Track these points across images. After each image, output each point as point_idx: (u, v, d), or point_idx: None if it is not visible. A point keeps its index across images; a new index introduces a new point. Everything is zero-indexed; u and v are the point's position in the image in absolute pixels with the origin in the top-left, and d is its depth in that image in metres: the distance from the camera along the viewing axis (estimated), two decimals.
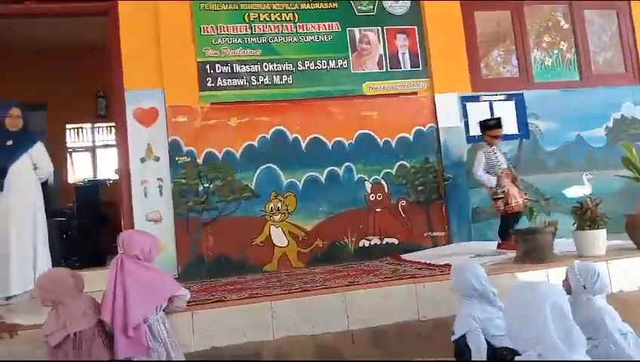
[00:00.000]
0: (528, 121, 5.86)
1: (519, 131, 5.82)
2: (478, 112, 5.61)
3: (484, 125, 4.99)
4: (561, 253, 4.17)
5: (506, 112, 5.74)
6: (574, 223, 4.22)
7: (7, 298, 4.08)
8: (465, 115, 5.66)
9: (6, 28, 6.63)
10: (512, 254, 4.23)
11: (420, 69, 5.61)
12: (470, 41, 5.82)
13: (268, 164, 5.24)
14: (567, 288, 2.85)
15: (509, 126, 5.74)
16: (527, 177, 5.67)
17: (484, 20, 6.03)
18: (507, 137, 5.64)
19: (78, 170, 9.02)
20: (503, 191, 4.65)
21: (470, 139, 5.60)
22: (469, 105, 5.66)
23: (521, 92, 5.89)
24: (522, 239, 4.19)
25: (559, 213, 4.70)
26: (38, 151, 4.39)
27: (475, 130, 5.35)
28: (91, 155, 9.15)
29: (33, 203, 4.31)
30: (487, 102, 5.76)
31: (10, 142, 4.28)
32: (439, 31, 5.65)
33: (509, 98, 5.87)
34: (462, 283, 2.81)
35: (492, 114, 5.68)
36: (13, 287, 4.08)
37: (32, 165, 4.35)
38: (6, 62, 7.48)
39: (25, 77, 7.50)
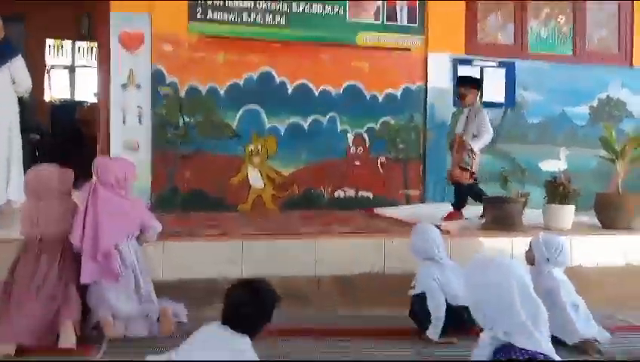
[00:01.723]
0: (517, 91, 5.86)
1: (506, 100, 5.82)
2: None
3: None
4: (529, 223, 4.28)
5: (496, 80, 5.74)
6: (545, 196, 4.32)
7: None
8: (455, 77, 5.61)
9: None
10: (479, 220, 4.33)
11: (416, 25, 5.51)
12: (470, 2, 5.71)
13: (252, 105, 5.17)
14: (530, 259, 2.95)
15: (497, 94, 5.75)
16: (506, 146, 5.76)
17: None
18: (493, 105, 5.66)
19: (56, 89, 8.76)
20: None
21: (456, 102, 5.57)
22: (460, 68, 5.61)
23: (513, 61, 5.85)
24: (493, 206, 4.29)
25: (534, 185, 4.78)
26: (18, 65, 4.22)
27: None
28: (70, 74, 8.88)
29: (8, 117, 4.18)
30: (479, 67, 5.72)
31: None
32: None
33: (500, 65, 5.83)
34: (419, 246, 2.88)
35: (482, 79, 5.65)
36: None
37: (10, 78, 4.20)
38: None
39: None
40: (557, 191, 4.23)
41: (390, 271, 3.49)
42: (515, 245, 3.81)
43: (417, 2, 5.51)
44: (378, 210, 4.92)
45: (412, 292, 2.81)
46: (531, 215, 4.41)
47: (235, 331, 1.96)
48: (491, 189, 4.66)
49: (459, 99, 4.72)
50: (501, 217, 4.15)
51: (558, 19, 6.16)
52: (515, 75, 5.84)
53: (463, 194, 4.58)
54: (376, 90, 5.41)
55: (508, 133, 5.71)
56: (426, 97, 5.51)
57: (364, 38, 5.39)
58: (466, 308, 2.27)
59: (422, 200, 5.49)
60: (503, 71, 5.84)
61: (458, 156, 4.50)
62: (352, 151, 5.40)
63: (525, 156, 5.69)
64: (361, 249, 3.51)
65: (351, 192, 5.37)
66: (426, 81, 5.51)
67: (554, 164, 5.60)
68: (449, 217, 4.46)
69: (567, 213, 4.24)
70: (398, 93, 5.47)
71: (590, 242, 4.05)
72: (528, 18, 6.00)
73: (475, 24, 5.82)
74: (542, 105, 5.92)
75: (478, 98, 4.69)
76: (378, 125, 5.43)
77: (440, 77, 5.54)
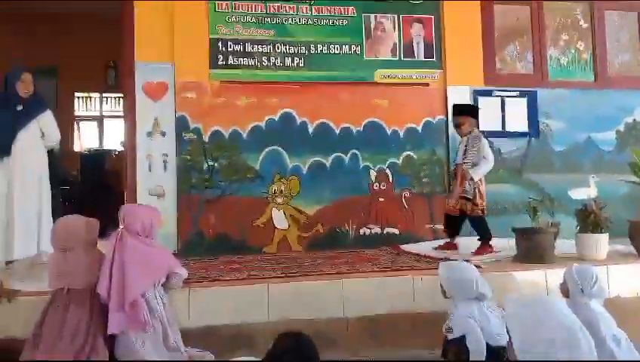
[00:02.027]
0: (539, 119, 5.80)
1: (529, 129, 5.76)
2: (490, 107, 5.56)
3: None
4: (562, 254, 4.15)
5: (518, 109, 5.70)
6: (577, 225, 4.20)
7: (8, 262, 4.11)
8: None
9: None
10: (508, 253, 4.22)
11: (434, 59, 5.55)
12: (487, 34, 5.74)
13: (274, 146, 5.22)
14: (565, 291, 2.85)
15: (520, 123, 5.70)
16: (533, 176, 5.67)
17: (502, 13, 5.93)
18: (517, 135, 5.61)
19: (85, 139, 9.05)
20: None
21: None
22: (481, 100, 5.59)
23: (534, 89, 5.82)
24: (523, 238, 4.17)
25: (563, 214, 4.66)
26: (47, 119, 4.39)
27: (486, 125, 5.30)
28: (98, 125, 9.17)
29: (38, 169, 4.32)
30: (499, 98, 5.70)
31: (20, 107, 4.28)
32: (456, 22, 5.57)
33: (521, 95, 5.80)
34: (457, 285, 2.79)
35: (504, 109, 5.63)
36: (15, 252, 4.11)
37: (39, 132, 4.35)
38: (20, 28, 7.47)
39: (38, 43, 7.48)
40: (588, 219, 4.11)
41: (420, 309, 3.40)
42: (549, 277, 3.69)
43: (434, 37, 5.56)
44: (405, 247, 4.85)
45: (450, 336, 2.71)
46: (563, 245, 4.29)
47: None
48: (520, 220, 4.55)
49: (456, 128, 4.63)
50: (532, 249, 4.03)
51: (578, 46, 6.13)
52: (537, 104, 5.80)
53: (483, 224, 4.45)
54: (396, 125, 5.42)
55: (534, 162, 5.62)
56: (448, 130, 5.48)
57: (382, 75, 5.44)
58: (504, 348, 2.19)
59: None
60: (524, 100, 5.80)
61: (460, 186, 4.38)
62: (375, 187, 5.38)
63: (553, 185, 5.58)
64: (389, 287, 3.44)
65: (376, 229, 5.31)
66: (447, 114, 5.49)
67: (584, 192, 5.48)
68: (480, 251, 4.35)
69: (601, 242, 4.10)
70: (419, 127, 5.46)
71: (627, 271, 3.89)
72: (547, 46, 5.99)
73: (493, 55, 5.82)
74: (566, 132, 5.83)
75: (475, 126, 4.56)
76: (401, 160, 5.42)
77: None
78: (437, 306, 3.31)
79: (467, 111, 4.58)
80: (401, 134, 5.43)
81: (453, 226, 4.58)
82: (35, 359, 2.54)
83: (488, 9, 5.79)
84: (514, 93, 5.77)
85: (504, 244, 4.45)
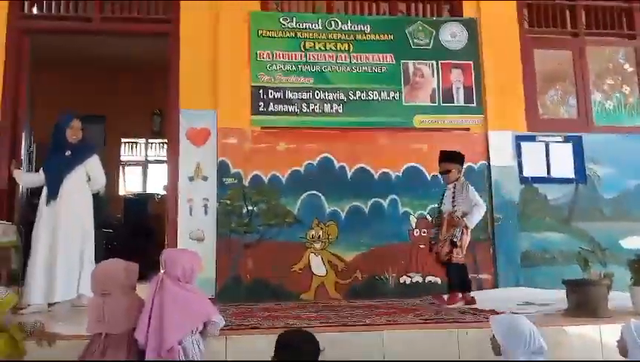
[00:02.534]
0: (586, 165, 5.62)
1: (576, 175, 5.58)
2: (534, 153, 5.47)
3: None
4: (616, 308, 3.90)
5: (563, 155, 5.55)
6: (631, 277, 3.96)
7: (50, 304, 4.17)
8: (519, 154, 5.48)
9: (72, 43, 6.98)
10: (558, 305, 3.99)
11: (474, 105, 5.51)
12: (528, 79, 5.69)
13: (312, 191, 5.22)
14: (622, 348, 2.67)
15: (566, 169, 5.53)
16: (581, 224, 5.45)
17: (542, 58, 5.88)
18: (563, 181, 5.44)
19: (129, 183, 9.30)
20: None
21: (523, 179, 5.42)
22: (524, 145, 5.49)
23: (579, 135, 5.67)
24: (575, 290, 3.96)
25: (615, 264, 4.43)
26: (94, 164, 4.52)
27: (530, 171, 5.17)
28: (143, 170, 9.42)
29: (83, 213, 4.42)
30: (543, 143, 5.57)
31: (68, 153, 4.44)
32: (496, 67, 5.55)
33: (566, 140, 5.66)
34: (511, 339, 2.64)
35: (548, 155, 5.50)
36: (57, 294, 4.16)
37: (86, 176, 4.47)
38: (70, 76, 7.87)
39: (88, 90, 7.85)
40: None
41: None
42: (604, 333, 3.45)
43: (473, 82, 5.53)
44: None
45: None
46: (617, 298, 4.04)
47: None
48: (570, 271, 4.33)
49: (442, 175, 4.52)
50: (584, 302, 3.80)
51: (623, 90, 5.99)
52: (583, 150, 5.63)
53: (462, 274, 4.31)
54: (437, 170, 5.32)
55: (582, 210, 5.42)
56: (490, 176, 5.37)
57: (422, 120, 5.42)
58: None
59: (494, 284, 5.19)
60: (569, 145, 5.66)
61: (448, 233, 4.25)
62: (415, 233, 5.26)
63: (603, 234, 5.35)
64: (433, 340, 3.28)
65: (417, 278, 5.17)
66: (489, 159, 5.40)
67: (637, 241, 5.21)
68: (451, 300, 4.21)
69: None
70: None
71: None
72: (590, 90, 5.87)
73: (535, 100, 5.74)
74: (616, 178, 5.62)
75: (461, 173, 4.47)
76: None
77: (503, 155, 5.42)
78: None
79: (454, 158, 4.49)
80: (442, 179, 5.32)
81: (448, 276, 4.40)
82: None
83: (529, 54, 5.76)
84: (558, 139, 5.64)
85: (554, 296, 4.24)
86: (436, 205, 5.23)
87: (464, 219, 4.25)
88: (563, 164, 5.57)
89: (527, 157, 5.45)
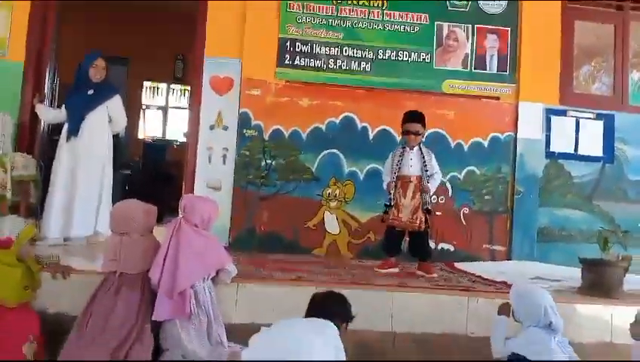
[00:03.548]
0: (615, 145, 5.45)
1: (604, 154, 5.43)
2: (563, 127, 5.31)
3: (403, 117, 4.19)
4: (631, 291, 3.85)
5: (593, 133, 5.39)
6: None
7: (65, 239, 4.23)
8: (548, 128, 5.33)
9: None
10: (571, 283, 3.94)
11: (507, 73, 5.32)
12: (566, 52, 5.47)
13: (332, 150, 5.16)
14: (636, 333, 2.64)
15: (594, 147, 5.37)
16: (604, 204, 5.33)
17: (582, 31, 5.63)
18: (590, 159, 5.30)
19: (149, 127, 9.31)
20: (389, 201, 4.07)
21: (549, 154, 5.29)
22: (554, 119, 5.33)
23: (612, 113, 5.48)
24: (590, 269, 3.90)
25: (636, 248, 4.34)
26: (115, 105, 4.51)
27: (557, 146, 5.03)
28: (163, 115, 9.42)
29: (103, 153, 4.44)
30: (574, 119, 5.40)
31: (91, 91, 4.42)
32: (534, 36, 5.33)
33: (598, 117, 5.48)
34: (530, 310, 2.62)
35: (578, 131, 5.33)
36: (73, 230, 4.24)
37: (107, 116, 4.47)
38: (96, 16, 7.77)
39: (113, 33, 7.76)
40: None
41: (473, 333, 3.22)
42: (615, 315, 3.41)
43: (509, 49, 5.34)
44: (459, 265, 4.64)
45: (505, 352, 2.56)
46: (633, 282, 3.98)
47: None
48: (587, 250, 4.27)
49: (408, 136, 4.06)
50: (599, 282, 3.75)
51: None
52: (614, 128, 5.45)
53: (427, 241, 4.16)
54: (461, 138, 5.23)
55: (606, 189, 5.28)
56: (516, 148, 5.24)
57: (451, 85, 5.27)
58: None
59: (508, 256, 5.14)
60: (600, 123, 5.48)
61: (416, 200, 4.00)
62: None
63: (626, 215, 5.25)
64: (442, 306, 3.28)
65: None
66: (516, 130, 5.25)
67: None
68: (429, 269, 4.01)
69: None
70: (486, 142, 5.25)
71: None
72: (629, 68, 5.64)
73: (571, 73, 5.54)
74: None
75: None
76: (462, 175, 5.21)
77: (531, 127, 5.26)
78: (490, 331, 3.13)
79: (422, 120, 4.12)
80: (466, 148, 5.23)
81: (398, 242, 4.17)
82: (81, 341, 2.56)
83: (569, 25, 5.51)
84: (590, 115, 5.46)
85: (568, 274, 4.19)
86: (457, 173, 5.19)
87: (427, 184, 4.02)
88: (592, 142, 5.41)
89: (555, 132, 5.29)
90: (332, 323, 2.11)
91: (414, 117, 4.12)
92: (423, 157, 4.05)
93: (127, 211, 2.86)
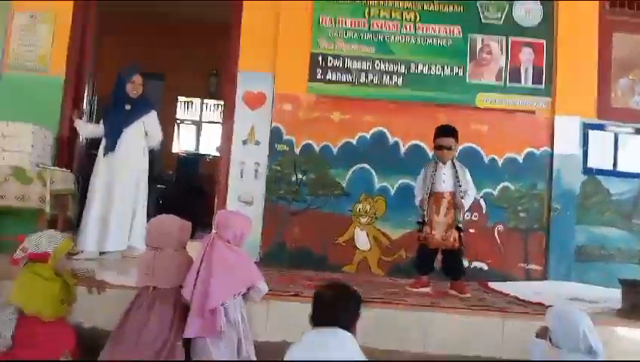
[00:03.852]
0: None
1: None
2: (601, 142, 5.14)
3: (435, 132, 4.09)
4: None
5: (633, 148, 5.20)
6: None
7: (101, 253, 4.31)
8: (585, 143, 5.18)
9: (136, 2, 7.02)
10: (610, 304, 3.79)
11: (543, 87, 5.21)
12: (603, 64, 5.31)
13: (363, 164, 5.13)
14: None
15: (634, 163, 5.19)
16: None
17: (620, 43, 5.48)
18: (629, 176, 5.12)
19: (183, 142, 9.47)
20: (422, 218, 3.97)
21: (587, 170, 5.13)
22: (592, 133, 5.17)
23: None
24: (631, 291, 3.75)
25: None
26: (152, 120, 4.60)
27: (595, 162, 4.88)
28: (197, 129, 9.56)
29: (139, 167, 4.52)
30: (613, 133, 5.23)
31: (128, 107, 4.52)
32: (571, 48, 5.21)
33: (637, 132, 5.30)
34: (568, 333, 2.52)
35: (616, 146, 5.16)
36: (109, 244, 4.31)
37: (143, 131, 4.55)
38: (133, 33, 7.96)
39: (148, 48, 7.95)
40: None
41: (507, 356, 3.12)
42: None
43: (544, 63, 5.23)
44: (493, 284, 4.53)
45: None
46: None
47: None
48: (627, 271, 4.13)
49: (440, 151, 3.96)
50: None
51: None
52: None
53: (460, 260, 4.04)
54: (495, 153, 5.13)
55: None
56: (552, 164, 5.11)
57: (484, 99, 5.19)
58: None
59: (544, 276, 4.99)
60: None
61: (450, 216, 3.89)
62: (466, 216, 5.10)
63: None
64: (476, 328, 3.20)
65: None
66: (552, 145, 5.13)
67: None
68: (464, 288, 3.90)
69: None
70: (520, 158, 5.13)
71: None
72: None
73: (609, 86, 5.37)
74: None
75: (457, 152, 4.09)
76: (497, 191, 5.11)
77: (568, 142, 5.12)
78: (526, 355, 3.04)
79: (454, 134, 4.01)
80: (500, 163, 5.13)
81: (430, 260, 4.04)
82: (115, 355, 2.59)
83: (607, 37, 5.36)
84: (629, 130, 5.28)
85: (607, 295, 4.04)
86: (491, 190, 5.08)
87: (462, 201, 3.91)
88: (631, 158, 5.23)
89: (593, 147, 5.14)
90: (349, 334, 2.13)
91: (447, 131, 4.04)
92: (457, 172, 3.97)
93: (163, 226, 2.88)
